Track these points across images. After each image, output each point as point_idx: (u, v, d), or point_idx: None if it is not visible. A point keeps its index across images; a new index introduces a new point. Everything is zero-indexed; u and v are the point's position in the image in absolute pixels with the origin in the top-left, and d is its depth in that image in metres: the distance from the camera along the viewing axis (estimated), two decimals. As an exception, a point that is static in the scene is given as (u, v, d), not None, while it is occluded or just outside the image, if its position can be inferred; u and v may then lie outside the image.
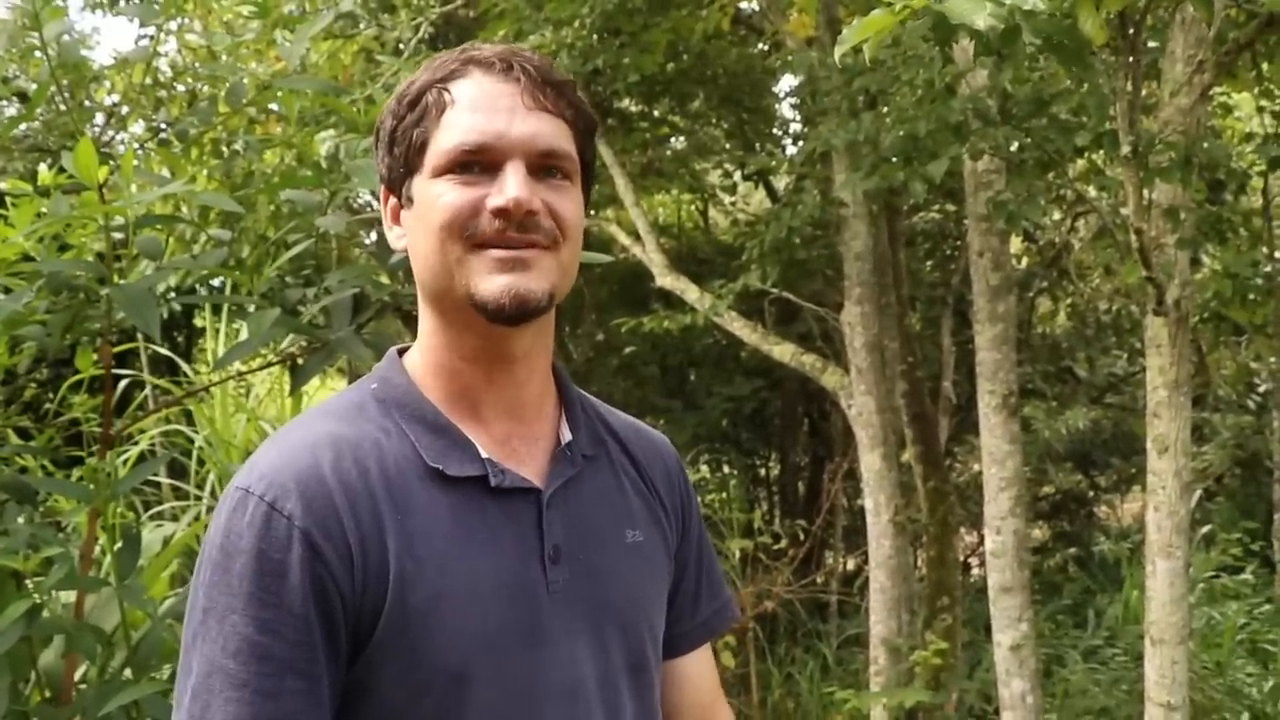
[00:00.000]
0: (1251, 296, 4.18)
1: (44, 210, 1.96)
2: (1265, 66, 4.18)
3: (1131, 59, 2.70)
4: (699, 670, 1.33)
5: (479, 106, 1.08)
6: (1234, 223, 4.43)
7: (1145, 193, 3.04)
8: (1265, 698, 5.40)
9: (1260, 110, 4.68)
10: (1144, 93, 3.37)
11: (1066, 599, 7.16)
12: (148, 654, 2.13)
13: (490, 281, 1.05)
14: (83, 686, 2.23)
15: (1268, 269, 4.25)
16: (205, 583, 1.02)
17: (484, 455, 1.10)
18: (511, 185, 1.05)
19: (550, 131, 1.09)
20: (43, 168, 2.32)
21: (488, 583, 1.06)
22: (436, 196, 1.07)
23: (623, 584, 1.16)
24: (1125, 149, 2.72)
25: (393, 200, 1.15)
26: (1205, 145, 3.13)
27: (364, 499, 1.03)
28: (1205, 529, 7.41)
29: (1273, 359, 4.67)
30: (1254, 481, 7.71)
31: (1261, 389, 7.50)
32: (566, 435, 1.17)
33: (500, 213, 1.05)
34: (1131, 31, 2.62)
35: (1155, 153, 2.94)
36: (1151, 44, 3.56)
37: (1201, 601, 6.49)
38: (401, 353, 1.18)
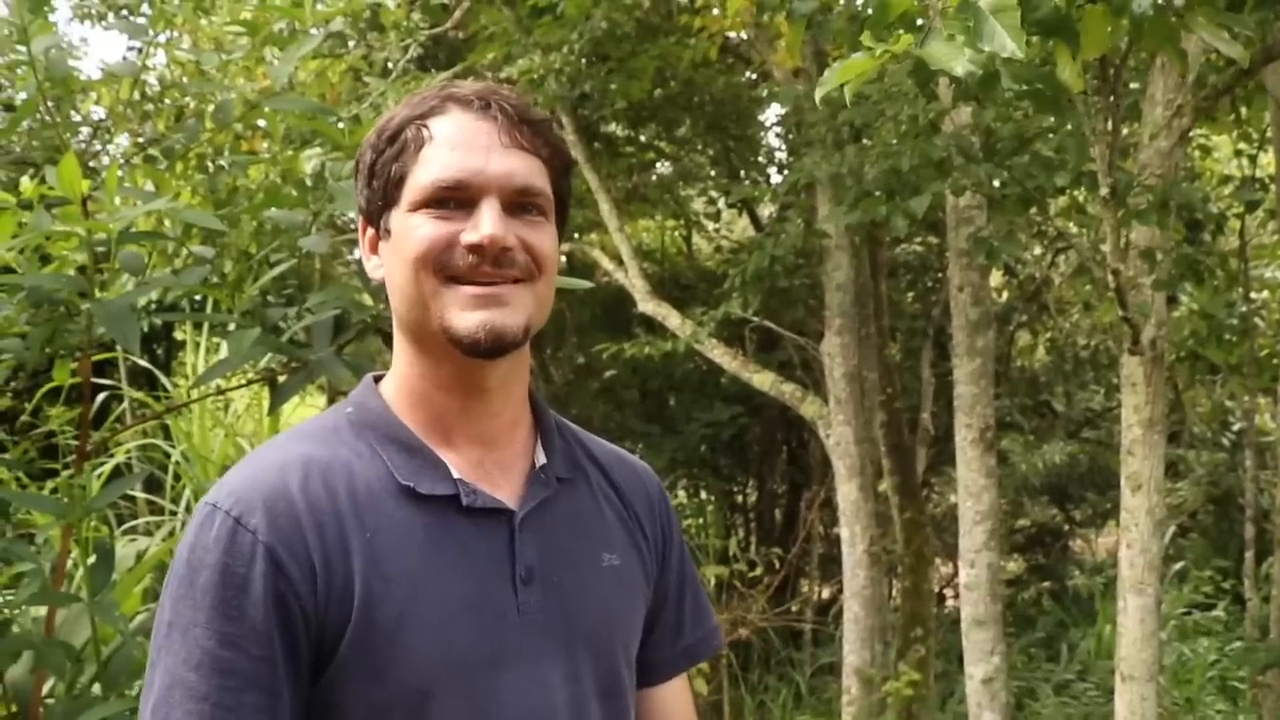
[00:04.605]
0: (1227, 336, 4.23)
1: (25, 222, 1.96)
2: (1244, 111, 4.24)
3: (1112, 101, 2.74)
4: (675, 699, 1.32)
5: (457, 143, 1.09)
6: (1210, 264, 4.48)
7: (1123, 233, 3.07)
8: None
9: (1238, 153, 4.74)
10: (1125, 133, 3.42)
11: (1040, 632, 7.17)
12: (118, 670, 2.11)
13: (465, 318, 1.07)
14: (50, 702, 2.21)
15: (1243, 309, 4.29)
16: (171, 596, 1.03)
17: (456, 476, 1.10)
18: (486, 222, 1.07)
19: (526, 169, 1.10)
20: (25, 179, 2.31)
21: (457, 602, 1.06)
22: (412, 229, 1.09)
23: (596, 607, 1.16)
24: (1104, 190, 2.75)
25: (371, 231, 1.17)
26: (1183, 187, 3.17)
27: (330, 519, 1.04)
28: (1178, 565, 7.44)
29: (1247, 397, 4.71)
30: (1227, 519, 7.74)
31: (1235, 427, 7.56)
32: (541, 459, 1.18)
33: (475, 249, 1.07)
34: (1112, 74, 2.66)
35: (1133, 195, 2.97)
36: (1133, 85, 3.60)
37: (1173, 638, 6.51)
38: (378, 380, 1.19)
